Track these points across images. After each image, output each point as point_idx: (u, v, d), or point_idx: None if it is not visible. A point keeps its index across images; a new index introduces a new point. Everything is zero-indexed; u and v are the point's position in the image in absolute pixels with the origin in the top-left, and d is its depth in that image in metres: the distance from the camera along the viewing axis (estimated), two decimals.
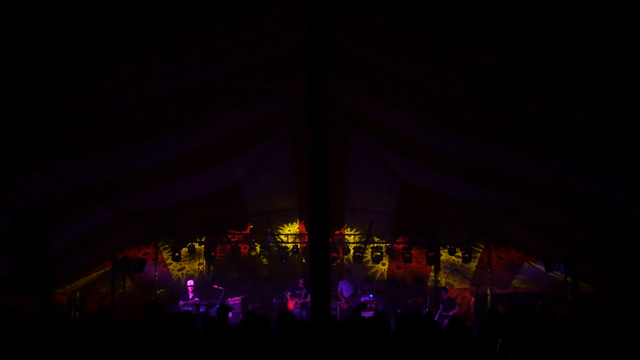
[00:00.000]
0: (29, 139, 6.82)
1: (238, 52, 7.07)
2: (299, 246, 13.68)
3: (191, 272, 13.99)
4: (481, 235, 13.35)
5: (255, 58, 7.46)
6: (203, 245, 13.66)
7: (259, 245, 13.76)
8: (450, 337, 5.00)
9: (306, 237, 13.42)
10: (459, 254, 13.25)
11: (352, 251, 13.40)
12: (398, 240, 13.72)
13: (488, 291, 13.30)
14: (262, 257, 13.90)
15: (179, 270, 13.98)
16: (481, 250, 13.56)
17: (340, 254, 13.82)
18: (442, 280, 13.75)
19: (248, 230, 13.90)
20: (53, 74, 5.82)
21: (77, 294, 12.92)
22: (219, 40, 6.63)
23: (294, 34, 6.97)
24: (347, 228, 14.02)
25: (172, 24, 5.81)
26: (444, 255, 13.81)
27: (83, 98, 6.46)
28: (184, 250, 13.60)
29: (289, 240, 13.67)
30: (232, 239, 13.75)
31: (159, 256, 13.52)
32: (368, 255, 13.62)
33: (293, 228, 14.12)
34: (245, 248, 13.98)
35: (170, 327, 5.91)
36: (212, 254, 13.54)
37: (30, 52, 5.33)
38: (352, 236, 13.93)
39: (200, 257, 13.87)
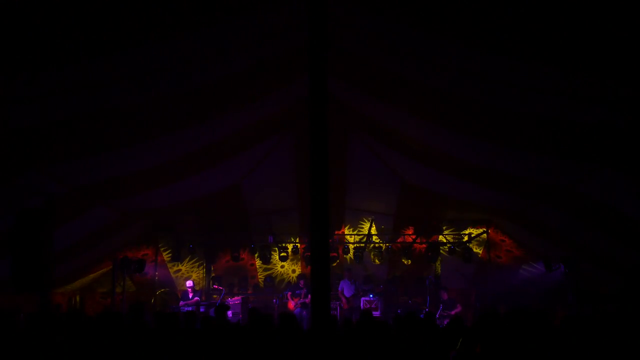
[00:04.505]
0: (29, 139, 6.82)
1: (238, 53, 7.07)
2: (298, 246, 13.67)
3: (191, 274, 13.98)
4: (481, 235, 13.34)
5: (255, 58, 7.46)
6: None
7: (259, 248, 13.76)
8: (448, 336, 5.01)
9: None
10: (459, 254, 13.23)
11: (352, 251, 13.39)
12: (398, 240, 13.71)
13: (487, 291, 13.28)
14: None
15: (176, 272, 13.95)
16: (481, 251, 13.55)
17: (341, 254, 13.81)
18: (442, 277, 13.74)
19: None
20: (53, 74, 5.82)
21: (77, 297, 12.90)
22: (218, 41, 6.63)
23: (294, 34, 6.97)
24: (347, 227, 13.97)
25: (171, 25, 5.81)
26: (444, 254, 13.79)
27: (83, 98, 6.46)
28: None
29: (290, 240, 13.68)
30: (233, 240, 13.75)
31: (158, 257, 13.49)
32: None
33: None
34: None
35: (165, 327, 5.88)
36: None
37: (30, 52, 5.33)
38: (352, 236, 13.91)
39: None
